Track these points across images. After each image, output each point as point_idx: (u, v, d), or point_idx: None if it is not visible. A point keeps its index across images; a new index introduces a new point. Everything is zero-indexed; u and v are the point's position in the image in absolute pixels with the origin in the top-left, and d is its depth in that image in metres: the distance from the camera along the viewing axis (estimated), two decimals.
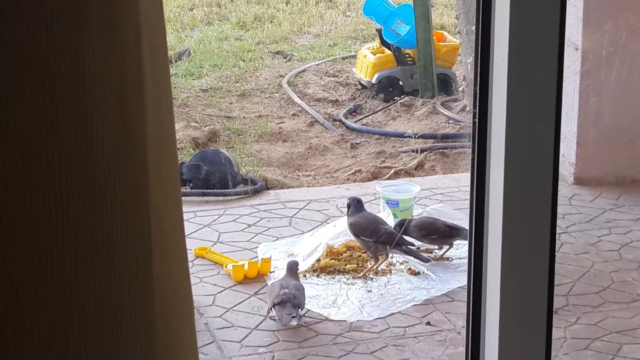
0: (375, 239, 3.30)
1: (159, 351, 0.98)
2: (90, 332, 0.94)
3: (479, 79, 1.58)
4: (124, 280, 0.96)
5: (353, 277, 3.28)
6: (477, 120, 1.61)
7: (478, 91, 1.58)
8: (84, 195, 0.93)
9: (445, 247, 3.41)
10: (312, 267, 3.32)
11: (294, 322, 2.93)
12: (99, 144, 0.93)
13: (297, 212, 3.78)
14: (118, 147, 0.94)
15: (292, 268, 3.12)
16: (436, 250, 3.44)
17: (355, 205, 3.41)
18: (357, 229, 3.35)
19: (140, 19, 0.95)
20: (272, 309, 2.99)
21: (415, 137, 4.67)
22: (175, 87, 5.44)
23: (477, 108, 1.60)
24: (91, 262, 0.94)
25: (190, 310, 1.08)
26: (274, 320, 3.00)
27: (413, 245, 3.36)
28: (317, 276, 3.29)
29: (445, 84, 5.28)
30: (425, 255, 3.38)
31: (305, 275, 3.28)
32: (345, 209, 3.49)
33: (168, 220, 1.01)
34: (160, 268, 0.99)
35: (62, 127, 0.91)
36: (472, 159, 1.63)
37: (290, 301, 2.96)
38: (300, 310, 2.99)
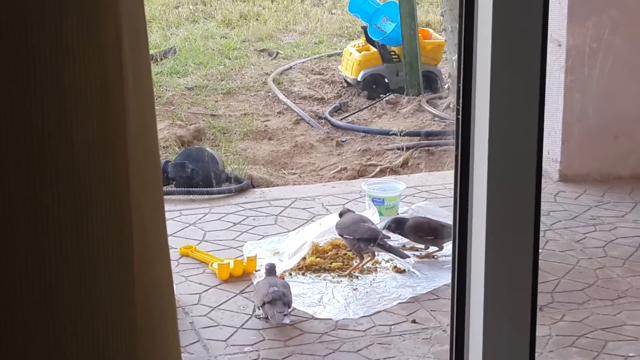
0: (358, 237, 3.30)
1: (141, 348, 0.98)
2: (71, 330, 0.94)
3: (462, 75, 1.57)
4: (105, 279, 0.95)
5: (339, 275, 3.28)
6: (460, 116, 1.60)
7: (461, 87, 1.58)
8: (64, 193, 0.92)
9: (435, 248, 3.41)
10: (297, 266, 3.31)
11: (287, 320, 2.93)
12: (79, 141, 0.92)
13: (283, 211, 3.78)
14: (99, 144, 0.93)
15: (272, 270, 3.11)
16: (422, 249, 3.44)
17: (346, 212, 3.43)
18: (340, 229, 3.36)
19: (121, 12, 0.94)
20: (261, 307, 2.98)
21: (400, 135, 4.67)
22: (160, 86, 5.42)
23: (461, 105, 1.60)
24: (72, 261, 0.93)
25: (172, 308, 1.07)
26: (260, 318, 2.99)
27: (390, 240, 3.35)
28: (303, 274, 3.29)
29: (431, 82, 5.29)
30: (409, 252, 3.38)
31: (290, 274, 3.28)
32: (330, 207, 3.49)
33: (150, 218, 1.01)
34: (142, 266, 0.98)
35: (42, 123, 0.91)
36: (456, 156, 1.63)
37: (281, 299, 2.96)
38: (288, 308, 2.99)
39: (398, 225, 3.38)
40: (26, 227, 0.91)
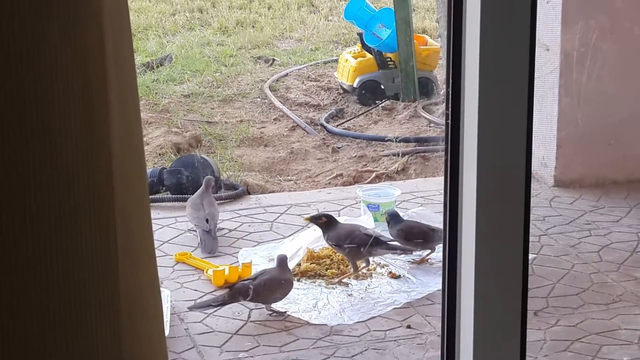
0: (349, 242, 3.29)
1: (125, 348, 0.98)
2: (56, 330, 0.94)
3: (451, 80, 1.58)
4: (89, 279, 0.96)
5: (331, 282, 3.28)
6: (450, 121, 1.61)
7: (450, 92, 1.58)
8: (48, 193, 0.93)
9: (428, 251, 3.42)
10: (292, 272, 3.31)
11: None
12: (62, 141, 0.93)
13: (278, 217, 3.78)
14: (82, 145, 0.94)
15: (281, 261, 3.13)
16: (417, 253, 3.44)
17: (332, 220, 3.39)
18: (334, 239, 3.33)
19: (104, 16, 0.95)
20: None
21: (396, 141, 4.67)
22: (156, 93, 5.43)
23: (450, 109, 1.61)
24: (56, 260, 0.94)
25: (158, 308, 1.08)
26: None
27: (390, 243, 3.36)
28: (298, 280, 3.29)
29: (427, 88, 5.29)
30: (405, 258, 3.38)
31: None
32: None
33: (134, 219, 1.01)
34: (127, 266, 0.99)
35: (26, 124, 0.91)
36: (445, 160, 1.63)
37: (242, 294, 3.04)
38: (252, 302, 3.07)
39: (392, 221, 3.39)
40: (9, 228, 0.92)
